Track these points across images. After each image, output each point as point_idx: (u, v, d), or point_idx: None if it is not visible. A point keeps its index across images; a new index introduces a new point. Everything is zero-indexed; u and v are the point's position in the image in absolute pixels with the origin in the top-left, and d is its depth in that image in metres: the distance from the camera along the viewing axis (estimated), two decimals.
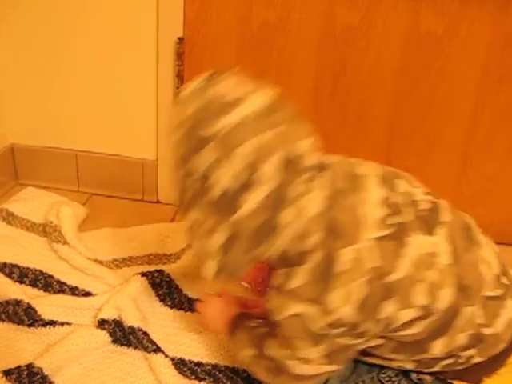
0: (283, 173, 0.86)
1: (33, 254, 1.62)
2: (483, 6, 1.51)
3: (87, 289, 1.51)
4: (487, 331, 1.02)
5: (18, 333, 1.35)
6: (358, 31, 1.60)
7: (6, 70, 1.81)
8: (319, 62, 1.65)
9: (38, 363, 1.24)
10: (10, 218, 1.74)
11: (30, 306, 1.39)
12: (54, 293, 1.49)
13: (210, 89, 0.90)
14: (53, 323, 1.36)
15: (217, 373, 1.29)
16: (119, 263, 1.62)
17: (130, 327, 1.35)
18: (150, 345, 1.31)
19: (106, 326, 1.35)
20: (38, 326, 1.36)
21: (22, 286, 1.50)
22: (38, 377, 1.22)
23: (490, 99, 1.62)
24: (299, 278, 0.94)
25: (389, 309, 0.94)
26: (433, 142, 1.69)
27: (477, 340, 1.02)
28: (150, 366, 1.29)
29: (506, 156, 1.68)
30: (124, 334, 1.35)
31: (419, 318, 0.97)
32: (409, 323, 0.97)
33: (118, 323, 1.36)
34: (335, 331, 0.94)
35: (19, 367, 1.23)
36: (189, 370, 1.29)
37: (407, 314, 0.96)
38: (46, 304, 1.41)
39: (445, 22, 1.55)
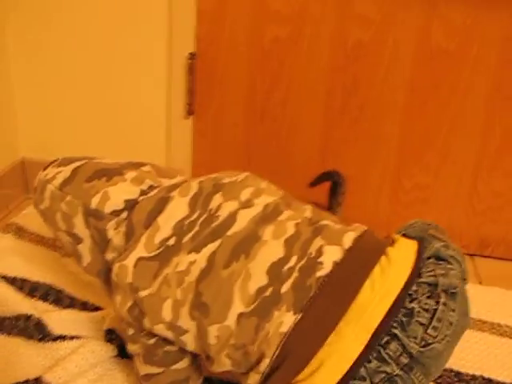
0: (91, 224, 1.08)
1: (43, 267, 1.62)
2: (494, 23, 1.51)
3: (97, 304, 1.50)
4: (249, 349, 0.95)
5: (29, 347, 1.34)
6: (369, 47, 1.61)
7: (17, 84, 1.83)
8: (330, 78, 1.66)
9: (47, 377, 1.23)
10: (20, 233, 1.75)
11: (40, 321, 1.39)
12: (64, 307, 1.49)
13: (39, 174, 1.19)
14: (62, 338, 1.36)
15: None
16: None
17: None
18: None
19: (114, 337, 1.34)
20: (48, 340, 1.35)
21: (33, 300, 1.50)
22: None
23: (500, 116, 1.62)
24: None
25: (146, 324, 1.02)
26: (444, 159, 1.69)
27: (243, 359, 0.96)
28: None
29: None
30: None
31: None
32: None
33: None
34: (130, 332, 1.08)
35: (27, 381, 1.23)
36: None
37: (161, 329, 1.01)
38: (55, 318, 1.41)
39: (456, 39, 1.55)
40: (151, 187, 1.10)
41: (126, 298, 1.03)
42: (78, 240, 1.12)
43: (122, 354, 1.32)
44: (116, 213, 1.07)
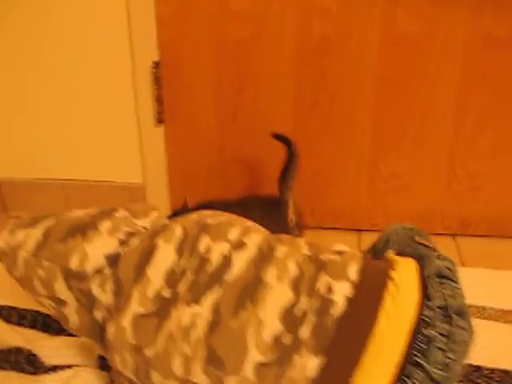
0: (73, 286, 1.04)
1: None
2: (459, 9, 1.49)
3: None
4: None
5: (22, 380, 1.35)
6: (335, 39, 1.58)
7: None
8: (298, 72, 1.64)
9: None
10: (1, 256, 1.74)
11: (31, 353, 1.38)
12: (55, 333, 1.49)
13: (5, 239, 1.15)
14: (55, 368, 1.36)
15: None
16: None
17: None
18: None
19: (106, 362, 1.35)
20: (41, 373, 1.35)
21: (21, 328, 1.51)
22: None
23: (472, 98, 1.61)
24: None
25: (156, 379, 0.98)
26: (419, 145, 1.68)
27: None
28: None
29: (493, 153, 1.67)
30: None
31: None
32: None
33: None
34: None
35: None
36: None
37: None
38: (46, 348, 1.41)
39: (422, 25, 1.53)
40: (129, 234, 1.06)
41: (128, 357, 1.00)
42: (61, 304, 1.08)
43: None
44: (98, 270, 1.03)
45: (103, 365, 1.35)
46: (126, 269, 1.01)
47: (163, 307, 0.97)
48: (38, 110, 1.79)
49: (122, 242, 1.05)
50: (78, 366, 1.36)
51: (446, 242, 1.76)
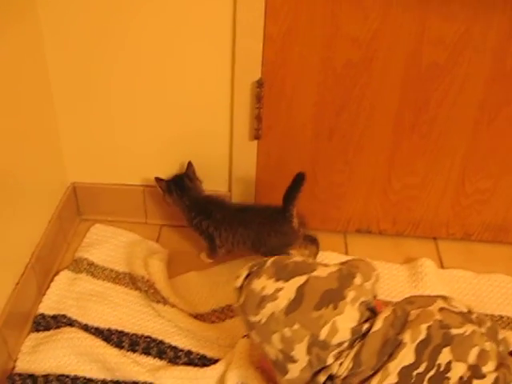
0: (313, 351, 1.09)
1: (132, 313, 1.63)
2: None
3: (201, 352, 1.55)
4: None
5: None
6: (443, 69, 1.57)
7: (64, 112, 1.72)
8: (401, 98, 1.63)
9: None
10: (93, 269, 1.73)
11: None
12: (169, 360, 1.53)
13: (251, 282, 1.17)
14: None
15: None
16: (220, 314, 1.65)
17: None
18: None
19: None
20: None
21: (136, 354, 1.53)
22: None
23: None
24: None
25: None
26: (507, 167, 1.75)
27: None
28: None
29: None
30: None
31: None
32: None
33: None
34: None
35: None
36: None
37: None
38: (171, 379, 1.45)
39: None
40: (366, 304, 1.11)
41: None
42: (291, 360, 1.12)
43: None
44: (340, 344, 1.08)
45: None
46: (368, 353, 1.07)
47: None
48: (122, 115, 1.73)
49: (362, 316, 1.11)
50: None
51: None
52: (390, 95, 1.63)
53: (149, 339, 1.56)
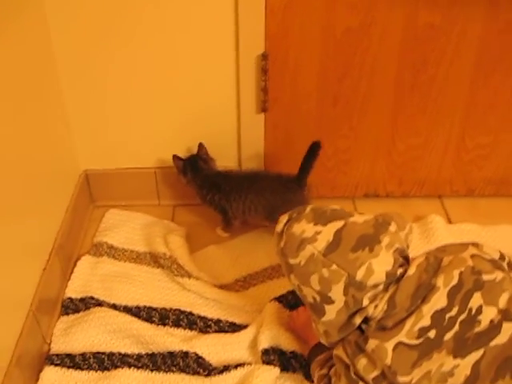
0: (349, 292, 1.13)
1: (158, 290, 1.67)
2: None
3: (230, 319, 1.59)
4: None
5: (198, 383, 1.43)
6: (439, 29, 1.64)
7: (72, 99, 1.75)
8: (401, 60, 1.69)
9: None
10: (114, 252, 1.77)
11: (198, 356, 1.47)
12: (200, 330, 1.57)
13: (292, 226, 1.21)
14: (227, 369, 1.45)
15: None
16: (243, 283, 1.70)
17: (291, 352, 1.48)
18: None
19: (272, 358, 1.46)
20: (215, 374, 1.44)
21: (166, 328, 1.57)
22: None
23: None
24: None
25: None
26: (505, 121, 1.82)
27: None
28: None
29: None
30: (286, 360, 1.47)
31: None
32: None
33: (280, 351, 1.48)
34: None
35: None
36: None
37: None
38: (205, 347, 1.50)
39: None
40: (400, 251, 1.15)
41: (374, 367, 1.13)
42: (328, 301, 1.15)
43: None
44: (376, 285, 1.12)
45: (270, 360, 1.46)
46: (402, 296, 1.12)
47: (426, 346, 1.09)
48: (129, 99, 1.76)
49: (396, 261, 1.14)
50: (248, 364, 1.46)
51: None
52: (389, 58, 1.69)
53: (178, 312, 1.60)
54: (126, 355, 1.50)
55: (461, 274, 1.13)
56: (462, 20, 1.62)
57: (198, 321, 1.59)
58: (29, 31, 1.51)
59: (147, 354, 1.50)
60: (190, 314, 1.60)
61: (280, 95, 1.74)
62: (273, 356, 1.46)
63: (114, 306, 1.61)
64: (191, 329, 1.58)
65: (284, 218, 1.25)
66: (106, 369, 1.47)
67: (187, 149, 1.84)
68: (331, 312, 1.17)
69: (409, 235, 1.25)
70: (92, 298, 1.63)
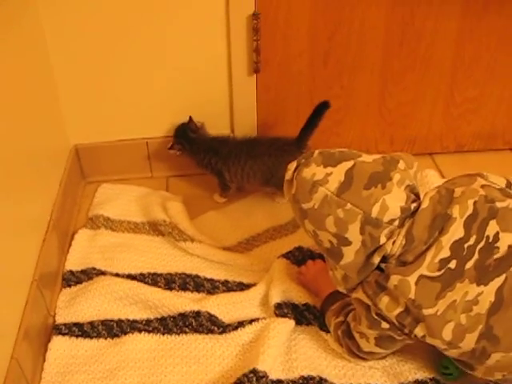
0: (366, 231, 1.12)
1: (161, 256, 1.65)
2: None
3: (237, 279, 1.57)
4: None
5: (213, 341, 1.41)
6: None
7: (61, 73, 1.71)
8: (388, 15, 1.70)
9: (261, 367, 1.30)
10: (111, 224, 1.73)
11: (211, 314, 1.44)
12: (208, 292, 1.55)
13: (302, 171, 1.19)
14: (241, 324, 1.43)
15: None
16: (246, 245, 1.69)
17: (304, 305, 1.47)
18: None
19: (285, 311, 1.44)
20: (230, 331, 1.42)
21: (174, 292, 1.54)
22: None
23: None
24: None
25: (419, 332, 1.15)
26: (491, 73, 1.85)
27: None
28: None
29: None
30: (299, 313, 1.45)
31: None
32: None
33: (293, 305, 1.47)
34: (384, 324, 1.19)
35: (246, 374, 1.29)
36: None
37: (438, 343, 1.15)
38: (216, 307, 1.47)
39: None
40: (411, 188, 1.15)
41: (397, 304, 1.13)
42: (345, 242, 1.14)
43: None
44: (391, 221, 1.12)
45: (283, 313, 1.44)
46: (419, 228, 1.11)
47: (448, 276, 1.09)
48: (117, 69, 1.73)
49: (408, 198, 1.14)
50: (263, 318, 1.44)
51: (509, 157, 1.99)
52: (377, 13, 1.70)
53: (184, 275, 1.58)
54: (134, 321, 1.47)
55: (475, 203, 1.14)
56: None
57: (205, 283, 1.57)
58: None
59: (157, 319, 1.47)
60: (197, 276, 1.58)
61: (271, 56, 1.74)
62: (286, 309, 1.45)
63: (117, 275, 1.57)
64: (199, 291, 1.55)
65: (292, 166, 1.23)
66: (116, 335, 1.43)
67: (178, 117, 1.81)
68: (349, 254, 1.16)
69: (417, 173, 1.25)
70: (94, 268, 1.59)
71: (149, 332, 1.43)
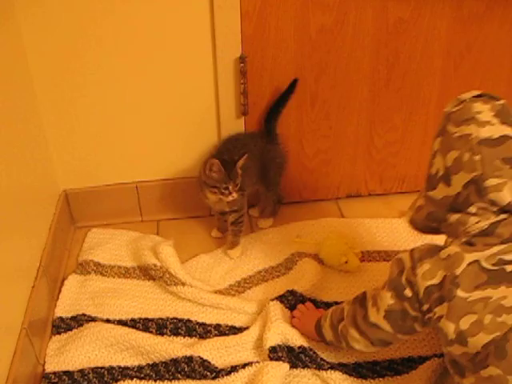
0: (468, 189, 1.11)
1: (152, 301, 1.63)
2: None
3: (230, 323, 1.56)
4: None
5: None
6: (409, 23, 1.69)
7: (50, 119, 1.72)
8: (374, 56, 1.73)
9: None
10: (101, 269, 1.72)
11: (203, 359, 1.42)
12: (200, 336, 1.53)
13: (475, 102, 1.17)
14: (234, 369, 1.41)
15: None
16: (238, 287, 1.67)
17: (299, 347, 1.44)
18: (323, 363, 1.42)
19: (280, 354, 1.42)
20: (223, 375, 1.40)
21: (165, 337, 1.52)
22: None
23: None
24: None
25: (438, 311, 1.12)
26: None
27: None
28: (327, 381, 1.39)
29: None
30: (294, 356, 1.43)
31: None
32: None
33: (288, 348, 1.44)
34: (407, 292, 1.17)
35: None
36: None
37: (446, 326, 1.11)
38: (208, 352, 1.45)
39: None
40: None
41: (434, 275, 1.12)
42: (446, 181, 1.15)
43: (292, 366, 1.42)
44: (493, 202, 1.10)
45: (278, 356, 1.42)
46: (505, 230, 1.10)
47: (498, 275, 1.07)
48: (105, 113, 1.74)
49: None
50: (256, 362, 1.42)
51: None
52: (363, 54, 1.73)
53: (175, 320, 1.56)
54: (126, 368, 1.45)
55: None
56: (429, 13, 1.68)
57: (197, 327, 1.55)
58: (4, 49, 1.48)
59: (148, 365, 1.45)
60: (188, 321, 1.56)
61: (259, 98, 1.75)
62: (281, 353, 1.42)
63: (108, 321, 1.55)
64: (191, 336, 1.53)
65: (475, 92, 1.21)
66: (107, 383, 1.40)
67: (168, 160, 1.82)
68: (440, 192, 1.17)
69: None
70: (84, 314, 1.57)
71: (140, 379, 1.41)
